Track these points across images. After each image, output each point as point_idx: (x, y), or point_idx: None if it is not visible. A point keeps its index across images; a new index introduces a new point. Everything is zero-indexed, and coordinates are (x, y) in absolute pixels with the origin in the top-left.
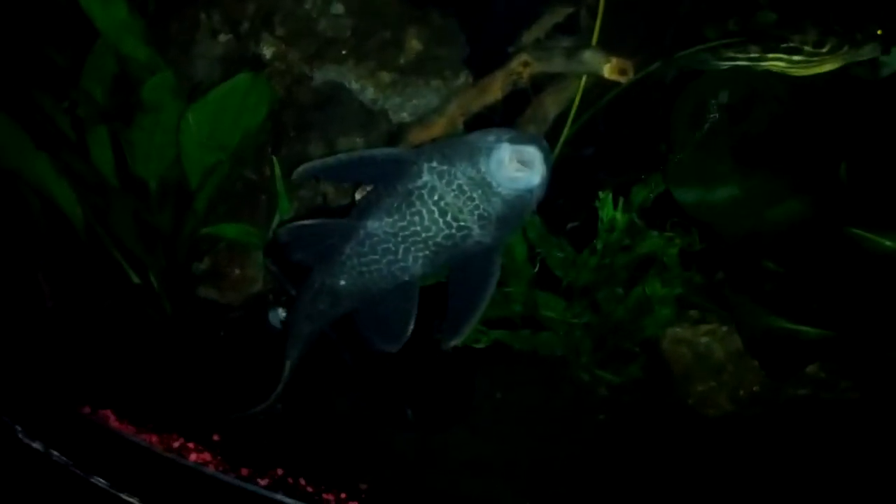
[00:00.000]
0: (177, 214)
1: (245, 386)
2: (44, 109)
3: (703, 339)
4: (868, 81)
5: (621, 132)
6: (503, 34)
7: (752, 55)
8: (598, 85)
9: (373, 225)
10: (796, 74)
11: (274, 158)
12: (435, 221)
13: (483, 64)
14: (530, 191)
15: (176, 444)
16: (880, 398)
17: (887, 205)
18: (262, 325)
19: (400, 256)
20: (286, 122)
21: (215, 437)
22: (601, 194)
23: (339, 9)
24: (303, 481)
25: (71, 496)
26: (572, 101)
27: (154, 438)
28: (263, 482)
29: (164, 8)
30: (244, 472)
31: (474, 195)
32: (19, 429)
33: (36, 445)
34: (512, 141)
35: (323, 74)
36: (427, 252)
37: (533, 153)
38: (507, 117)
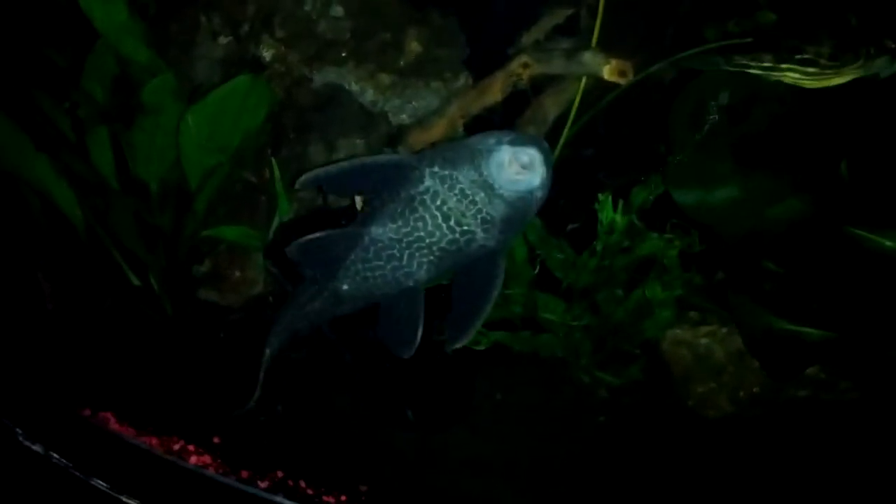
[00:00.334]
0: (177, 216)
1: (245, 388)
2: (44, 110)
3: (703, 341)
4: (868, 80)
5: (621, 134)
6: (503, 36)
7: (765, 64)
8: (598, 86)
9: (377, 231)
10: (807, 87)
11: (274, 160)
12: (438, 227)
13: (483, 65)
14: (532, 192)
15: (176, 447)
16: (881, 399)
17: (888, 204)
18: (263, 328)
19: (405, 262)
20: (286, 123)
21: (216, 440)
22: (601, 196)
23: (338, 11)
24: (303, 483)
25: (71, 499)
26: (572, 102)
27: (154, 441)
28: (264, 484)
29: (165, 10)
30: (244, 474)
31: (477, 198)
32: (20, 431)
33: (36, 448)
34: (512, 143)
35: (323, 76)
36: (431, 257)
37: (533, 154)
38: (506, 119)
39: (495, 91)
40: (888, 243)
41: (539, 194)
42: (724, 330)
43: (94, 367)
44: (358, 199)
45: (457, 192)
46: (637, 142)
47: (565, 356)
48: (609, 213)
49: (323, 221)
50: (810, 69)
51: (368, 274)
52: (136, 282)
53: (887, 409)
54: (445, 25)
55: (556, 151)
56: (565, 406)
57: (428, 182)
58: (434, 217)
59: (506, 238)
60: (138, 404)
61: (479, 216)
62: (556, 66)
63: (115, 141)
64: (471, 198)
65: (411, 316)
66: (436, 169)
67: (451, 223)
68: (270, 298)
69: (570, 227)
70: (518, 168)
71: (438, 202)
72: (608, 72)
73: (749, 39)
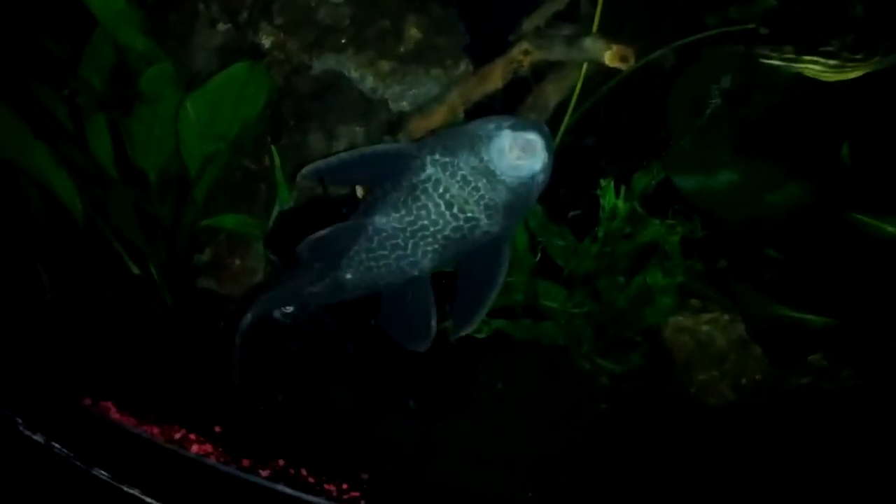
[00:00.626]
0: (176, 205)
1: (246, 377)
2: (42, 100)
3: (705, 328)
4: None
5: (623, 120)
6: (503, 22)
7: (787, 55)
8: (599, 72)
9: (380, 221)
10: (827, 80)
11: (273, 148)
12: (442, 214)
13: (483, 52)
14: (534, 176)
15: (177, 436)
16: (883, 386)
17: (889, 189)
18: (264, 317)
19: (409, 251)
20: (285, 111)
21: (216, 429)
22: (602, 182)
23: None
24: (304, 472)
25: (72, 488)
26: (573, 88)
27: (155, 430)
28: (265, 473)
29: None
30: (245, 463)
31: (479, 185)
32: (20, 421)
33: (37, 438)
34: (512, 128)
35: (322, 63)
36: (436, 246)
37: (534, 139)
38: (507, 106)
39: (496, 78)
40: (889, 229)
41: (541, 178)
42: (727, 317)
43: (94, 357)
44: (358, 187)
45: (458, 179)
46: (638, 128)
47: (566, 344)
48: (611, 199)
49: (323, 210)
50: (832, 62)
51: (373, 264)
52: (135, 271)
53: (889, 396)
54: (445, 12)
55: (558, 138)
56: (566, 394)
57: (429, 170)
58: (437, 205)
59: (509, 224)
60: (139, 394)
61: (482, 202)
62: (557, 52)
63: (113, 130)
64: (473, 184)
65: (421, 307)
66: (437, 157)
67: (455, 210)
68: None
69: (571, 213)
70: (519, 153)
71: (441, 190)
72: (609, 58)
73: (751, 26)
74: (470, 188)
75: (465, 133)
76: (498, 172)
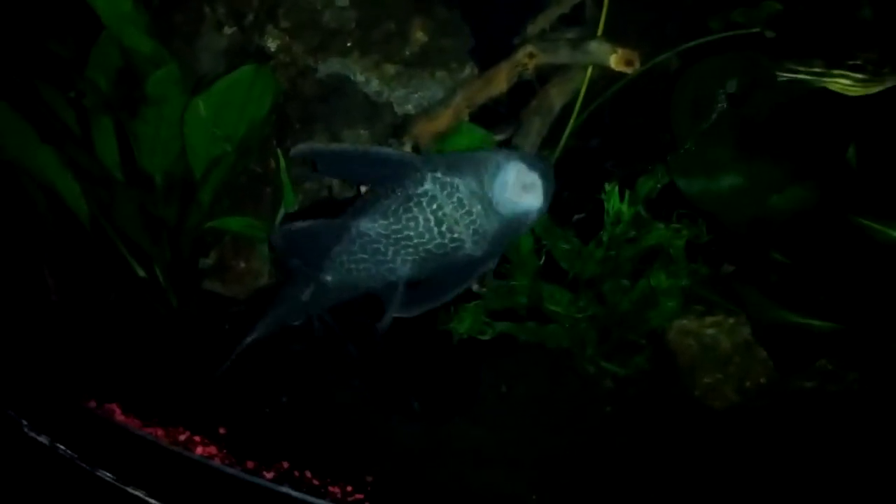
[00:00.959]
0: (182, 207)
1: (250, 379)
2: (48, 103)
3: (710, 331)
4: None
5: (627, 123)
6: (508, 25)
7: (815, 69)
8: (604, 76)
9: (366, 225)
10: (854, 94)
11: (279, 151)
12: (429, 230)
13: (488, 55)
14: (527, 214)
15: (182, 438)
16: (889, 390)
17: (894, 193)
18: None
19: (389, 258)
20: (291, 114)
21: (221, 431)
22: (607, 186)
23: (343, 1)
24: (308, 474)
25: (77, 490)
26: (578, 92)
27: (160, 432)
28: (269, 475)
29: (169, 0)
30: (250, 465)
31: (473, 210)
32: (25, 423)
33: (42, 439)
34: (519, 164)
35: (327, 66)
36: (416, 257)
37: (537, 180)
38: (512, 109)
39: (501, 81)
40: (894, 234)
41: (533, 217)
42: (731, 320)
43: (99, 359)
44: (363, 189)
45: (454, 200)
46: (643, 131)
47: (571, 347)
48: (615, 202)
49: (328, 213)
50: (859, 75)
51: (353, 266)
52: (141, 274)
53: (894, 400)
54: (450, 15)
55: (562, 141)
56: (571, 396)
57: (428, 185)
58: (427, 220)
59: (492, 251)
60: (144, 396)
61: (471, 227)
62: (562, 55)
63: (119, 132)
64: (467, 208)
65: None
66: (438, 174)
67: (443, 228)
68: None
69: (575, 217)
70: (519, 189)
71: (434, 206)
72: (615, 61)
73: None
74: (463, 211)
75: (471, 158)
76: (494, 202)
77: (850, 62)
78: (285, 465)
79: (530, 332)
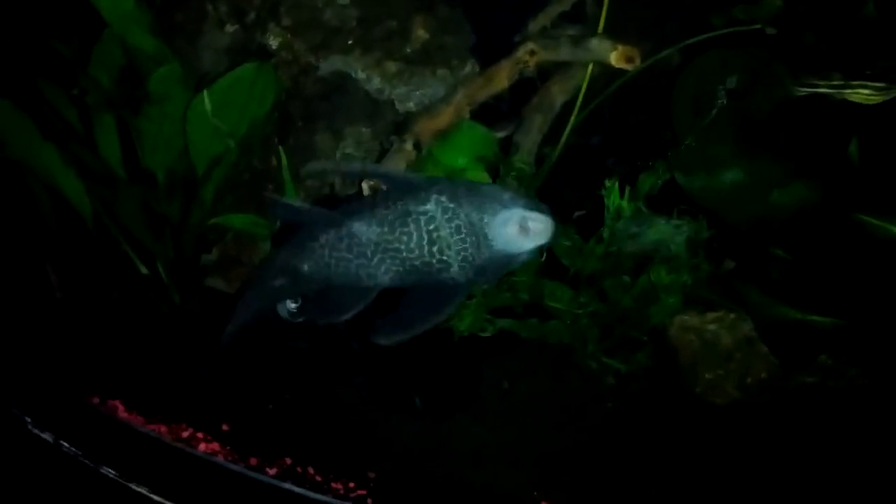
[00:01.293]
0: (184, 205)
1: (253, 376)
2: (51, 101)
3: (711, 327)
4: None
5: (628, 120)
6: (509, 23)
7: (835, 82)
8: (605, 73)
9: (359, 227)
10: (873, 102)
11: (281, 148)
12: (420, 246)
13: (489, 53)
14: (519, 255)
15: (185, 434)
16: (890, 386)
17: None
18: (270, 316)
19: (373, 264)
20: (293, 112)
21: (224, 427)
22: (608, 182)
23: None
24: (311, 470)
25: (80, 487)
26: (579, 89)
27: (163, 429)
28: (272, 471)
29: None
30: (253, 461)
31: (467, 239)
32: (29, 420)
33: (45, 436)
34: (524, 207)
35: (329, 64)
36: (400, 269)
37: (538, 226)
38: (513, 106)
39: (502, 78)
40: None
41: (524, 258)
42: (732, 316)
43: (102, 356)
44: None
45: (452, 226)
46: (644, 128)
47: (573, 343)
48: (616, 199)
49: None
50: (879, 84)
51: (332, 262)
52: (143, 271)
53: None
54: (452, 13)
55: (563, 138)
56: (573, 393)
57: (430, 206)
58: (421, 237)
59: (476, 280)
60: (147, 392)
61: (462, 254)
62: (563, 52)
63: (122, 130)
64: (462, 236)
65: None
66: (442, 199)
67: (434, 248)
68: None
69: (576, 214)
70: (518, 232)
71: (431, 227)
72: (615, 58)
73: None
74: (458, 237)
75: (478, 190)
76: (490, 237)
77: (868, 71)
78: (288, 461)
79: (532, 328)
